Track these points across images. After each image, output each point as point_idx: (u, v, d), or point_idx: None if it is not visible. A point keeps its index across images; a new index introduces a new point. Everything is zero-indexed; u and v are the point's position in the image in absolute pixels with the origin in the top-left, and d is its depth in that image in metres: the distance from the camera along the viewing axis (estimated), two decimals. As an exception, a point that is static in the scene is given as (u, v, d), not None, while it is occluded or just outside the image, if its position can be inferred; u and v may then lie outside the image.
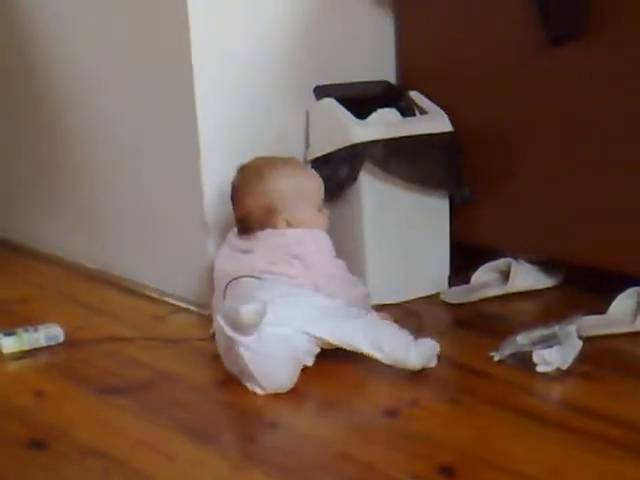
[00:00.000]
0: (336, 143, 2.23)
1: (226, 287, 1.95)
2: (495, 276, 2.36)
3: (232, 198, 2.09)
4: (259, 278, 1.94)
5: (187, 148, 2.25)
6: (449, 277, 2.35)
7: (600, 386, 1.83)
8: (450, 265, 2.37)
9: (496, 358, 1.92)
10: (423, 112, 2.36)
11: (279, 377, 1.81)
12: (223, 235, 2.25)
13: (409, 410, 1.77)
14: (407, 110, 2.35)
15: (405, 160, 2.20)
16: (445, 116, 2.32)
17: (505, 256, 2.34)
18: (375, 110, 2.28)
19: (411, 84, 2.42)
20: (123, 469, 1.60)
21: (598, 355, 1.92)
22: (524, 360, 1.88)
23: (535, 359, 1.86)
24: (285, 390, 1.81)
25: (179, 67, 2.22)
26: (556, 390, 1.84)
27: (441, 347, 1.90)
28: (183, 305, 2.32)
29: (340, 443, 1.68)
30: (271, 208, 2.03)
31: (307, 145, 2.34)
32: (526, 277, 2.31)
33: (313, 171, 2.14)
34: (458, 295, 2.29)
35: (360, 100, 2.30)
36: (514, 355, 1.91)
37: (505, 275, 2.32)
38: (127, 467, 1.61)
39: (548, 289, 2.31)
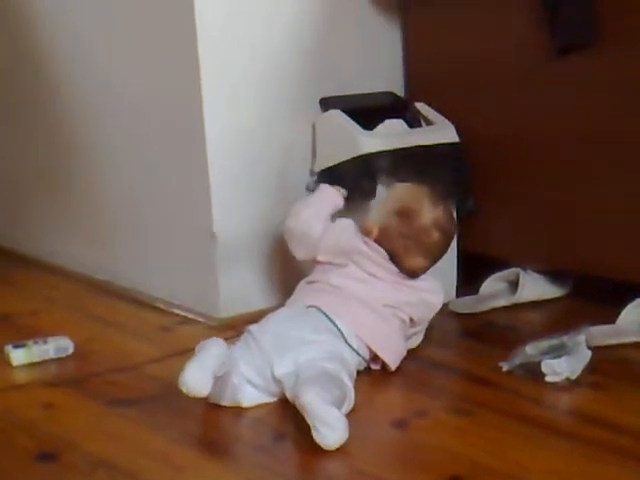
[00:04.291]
0: (344, 154, 2.23)
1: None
2: (503, 286, 2.36)
3: None
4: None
5: (195, 159, 2.25)
6: (457, 287, 2.35)
7: (609, 396, 1.82)
8: (458, 275, 2.37)
9: (505, 368, 1.92)
10: (429, 123, 2.36)
11: None
12: (230, 246, 2.26)
13: (418, 421, 1.77)
14: (413, 121, 2.36)
15: (413, 170, 2.20)
16: (452, 127, 2.32)
17: (513, 266, 2.34)
18: (382, 121, 2.28)
19: (419, 95, 2.43)
20: (132, 481, 1.60)
21: (607, 365, 1.92)
22: (533, 370, 1.87)
23: (544, 369, 1.86)
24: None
25: (187, 77, 2.22)
26: (565, 400, 1.84)
27: (449, 357, 1.90)
28: (191, 316, 2.32)
29: (349, 455, 1.67)
30: None
31: (314, 156, 2.34)
32: (534, 287, 2.31)
33: None
34: (467, 305, 2.29)
35: (366, 111, 2.30)
36: (523, 365, 1.91)
37: (514, 285, 2.32)
38: (137, 479, 1.61)
39: (557, 299, 2.31)
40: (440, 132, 2.32)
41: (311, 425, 1.65)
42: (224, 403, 1.83)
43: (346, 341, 1.89)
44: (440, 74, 2.40)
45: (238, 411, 1.82)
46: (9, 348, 2.10)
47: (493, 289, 2.35)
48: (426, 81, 2.44)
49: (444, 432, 1.73)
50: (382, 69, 2.47)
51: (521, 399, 1.82)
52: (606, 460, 1.59)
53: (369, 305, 1.95)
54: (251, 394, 1.83)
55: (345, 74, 2.40)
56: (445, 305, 2.26)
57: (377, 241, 2.02)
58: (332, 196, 2.13)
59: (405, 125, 2.32)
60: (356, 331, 1.91)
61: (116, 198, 2.53)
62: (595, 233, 2.17)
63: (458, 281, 2.36)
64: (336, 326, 1.90)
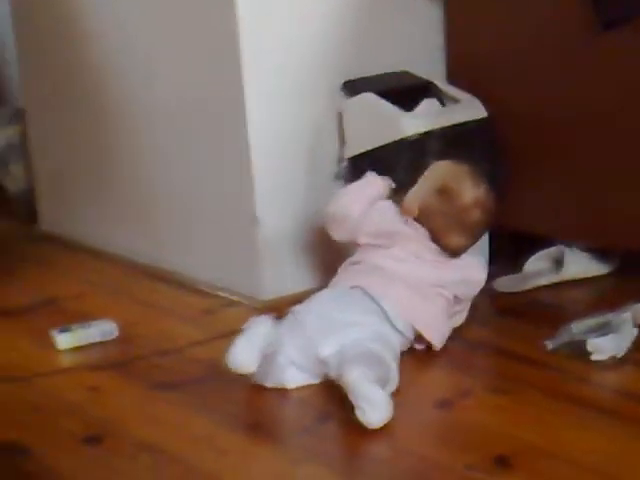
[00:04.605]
0: (383, 137, 2.20)
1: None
2: (548, 264, 2.34)
3: None
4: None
5: (237, 143, 2.25)
6: (490, 264, 2.32)
7: (656, 374, 1.81)
8: (497, 253, 2.35)
9: (550, 347, 1.90)
10: (453, 100, 2.32)
11: None
12: (272, 228, 2.26)
13: (462, 401, 1.76)
14: (437, 98, 2.32)
15: (451, 149, 2.18)
16: (478, 102, 2.29)
17: (558, 244, 2.32)
18: (412, 102, 2.25)
19: (459, 72, 2.40)
20: (177, 464, 1.61)
21: (654, 343, 1.90)
22: (578, 349, 1.86)
23: (589, 348, 1.84)
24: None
25: (228, 64, 2.23)
26: (611, 378, 1.82)
27: (494, 336, 1.89)
28: (234, 298, 2.32)
29: (395, 436, 1.67)
30: None
31: (342, 142, 2.32)
32: (579, 264, 2.29)
33: None
34: (511, 284, 2.27)
35: (394, 93, 2.26)
36: (568, 344, 1.89)
37: (558, 263, 2.30)
38: (181, 462, 1.61)
39: (602, 276, 2.28)
40: (470, 108, 2.29)
41: (355, 404, 1.65)
42: (268, 384, 1.83)
43: (391, 322, 1.89)
44: (482, 51, 2.37)
45: (282, 393, 1.82)
46: (55, 332, 2.12)
47: (537, 267, 2.33)
48: (468, 59, 2.41)
49: (488, 412, 1.72)
50: (423, 48, 2.44)
51: (566, 378, 1.81)
52: (654, 439, 1.58)
53: (413, 285, 1.95)
54: (295, 375, 1.83)
55: (385, 55, 2.37)
56: (489, 284, 2.26)
57: (417, 220, 2.01)
58: (377, 183, 2.12)
59: (438, 104, 2.30)
60: (401, 312, 1.90)
61: (159, 183, 2.54)
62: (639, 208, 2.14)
63: (491, 259, 2.34)
64: (381, 307, 1.89)
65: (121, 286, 2.49)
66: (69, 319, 2.18)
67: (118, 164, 2.67)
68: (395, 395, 1.75)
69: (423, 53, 2.43)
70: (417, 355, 1.93)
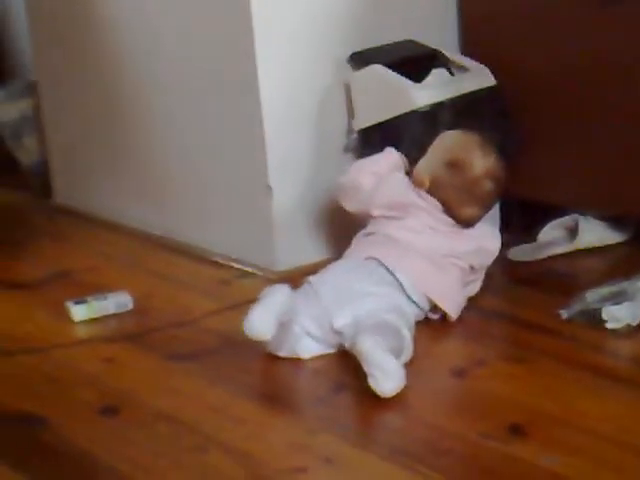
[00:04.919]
0: (394, 109, 2.19)
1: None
2: (562, 233, 2.33)
3: None
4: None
5: (250, 113, 2.25)
6: (503, 233, 2.31)
7: (671, 341, 1.81)
8: (511, 223, 2.35)
9: (565, 316, 1.90)
10: (460, 68, 2.31)
11: None
12: (285, 198, 2.26)
13: (477, 370, 1.76)
14: (444, 67, 2.30)
15: (462, 119, 2.16)
16: (486, 70, 2.28)
17: (572, 212, 2.31)
18: (421, 72, 2.23)
19: (473, 40, 2.39)
20: (194, 434, 1.62)
21: (669, 310, 1.89)
22: (593, 317, 1.86)
23: (604, 316, 1.84)
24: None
25: (240, 32, 2.22)
26: (626, 346, 1.82)
27: (509, 305, 1.89)
28: (249, 269, 2.33)
29: (410, 405, 1.68)
30: None
31: (350, 115, 2.30)
32: (594, 233, 2.28)
33: None
34: (525, 253, 2.27)
35: (403, 63, 2.24)
36: (583, 312, 1.89)
37: (572, 232, 2.29)
38: (198, 432, 1.63)
39: (616, 245, 2.27)
40: (479, 77, 2.27)
41: (367, 372, 1.66)
42: (282, 354, 1.84)
43: (406, 293, 1.89)
44: (495, 13, 2.35)
45: (297, 363, 1.83)
46: (70, 304, 2.13)
47: (552, 236, 2.32)
48: (480, 23, 2.39)
49: (503, 381, 1.72)
50: (434, 13, 2.42)
51: (581, 346, 1.81)
52: (668, 406, 1.58)
53: (428, 256, 1.95)
54: (310, 345, 1.84)
55: (395, 23, 2.37)
56: (503, 253, 2.25)
57: (429, 192, 2.01)
58: (391, 157, 2.12)
59: (447, 74, 2.28)
60: (416, 282, 1.91)
61: (173, 155, 2.54)
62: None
63: (505, 228, 2.34)
64: (396, 278, 1.90)
65: (136, 258, 2.50)
66: (84, 291, 2.19)
67: (132, 136, 2.67)
68: (410, 364, 1.76)
69: (434, 19, 2.42)
70: (432, 325, 1.93)
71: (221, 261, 2.39)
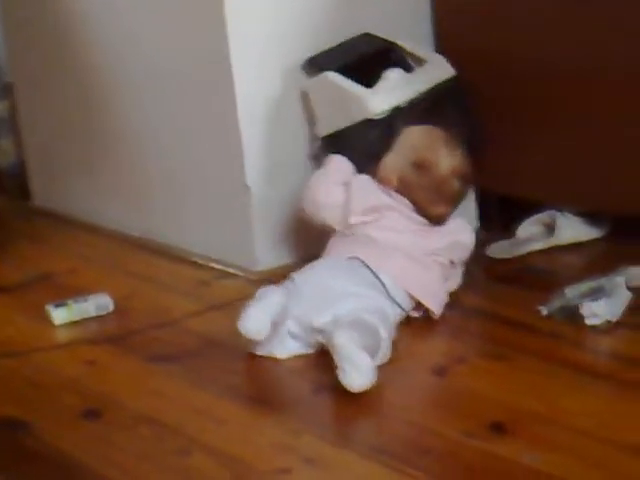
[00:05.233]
0: (350, 118, 2.15)
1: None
2: (540, 229, 2.34)
3: None
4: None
5: (226, 112, 2.25)
6: (478, 229, 2.32)
7: (650, 337, 1.82)
8: (489, 220, 2.36)
9: (544, 312, 1.91)
10: (418, 60, 2.26)
11: None
12: (263, 197, 2.26)
13: (458, 367, 1.77)
14: (402, 62, 2.26)
15: (423, 116, 2.14)
16: (444, 60, 2.25)
17: (550, 208, 2.32)
18: (377, 72, 2.18)
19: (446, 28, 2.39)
20: (177, 436, 1.62)
21: (647, 306, 1.91)
22: (572, 313, 1.87)
23: (583, 312, 1.85)
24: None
25: (214, 30, 2.22)
26: (606, 342, 1.83)
27: (488, 302, 1.90)
28: (229, 270, 2.33)
29: (390, 403, 1.69)
30: None
31: (312, 121, 2.27)
32: (571, 229, 2.29)
33: None
34: (503, 250, 2.28)
35: (358, 64, 2.20)
36: (562, 309, 1.90)
37: (550, 228, 2.30)
38: (181, 434, 1.63)
39: (594, 240, 2.29)
40: (437, 70, 2.23)
41: (339, 366, 1.67)
42: (260, 352, 1.84)
43: (389, 294, 1.90)
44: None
45: (279, 363, 1.83)
46: (50, 307, 2.12)
47: (530, 232, 2.33)
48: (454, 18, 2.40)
49: (484, 378, 1.73)
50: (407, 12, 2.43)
51: (561, 343, 1.82)
52: (649, 401, 1.59)
53: (409, 254, 1.95)
54: (290, 345, 1.85)
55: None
56: (482, 250, 2.26)
57: (398, 191, 2.02)
58: (341, 164, 2.11)
59: (402, 72, 2.21)
60: (400, 282, 1.91)
61: (151, 156, 2.54)
62: (631, 171, 2.14)
63: (483, 225, 2.34)
64: (379, 280, 1.90)
65: (115, 260, 2.49)
66: (64, 294, 2.18)
67: (109, 138, 2.66)
68: (390, 363, 1.77)
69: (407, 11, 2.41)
70: (412, 323, 1.94)
71: (201, 262, 2.39)
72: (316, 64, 2.24)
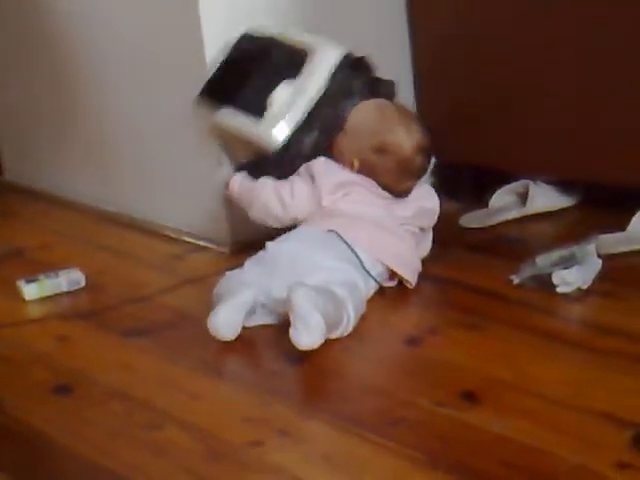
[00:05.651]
0: (257, 149, 2.07)
1: None
2: (513, 198, 2.34)
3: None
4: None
5: (197, 87, 2.23)
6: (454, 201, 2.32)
7: (621, 304, 1.82)
8: (462, 190, 2.37)
9: (516, 281, 1.92)
10: (305, 50, 2.08)
11: None
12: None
13: (430, 338, 1.77)
14: (287, 61, 2.08)
15: (334, 109, 2.04)
16: (332, 42, 2.07)
17: (522, 178, 2.32)
18: (270, 75, 2.06)
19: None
20: (149, 411, 1.62)
21: (618, 273, 1.91)
22: (544, 282, 1.87)
23: (555, 280, 1.85)
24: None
25: (186, 12, 2.21)
26: (577, 310, 1.84)
27: (460, 272, 1.89)
28: (202, 243, 2.32)
29: (363, 374, 1.69)
30: None
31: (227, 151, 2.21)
32: (544, 198, 2.29)
33: None
34: (476, 219, 2.28)
35: (243, 77, 2.09)
36: (534, 277, 1.90)
37: (523, 197, 2.30)
38: (153, 408, 1.62)
39: (567, 209, 2.29)
40: (327, 55, 2.05)
41: (292, 322, 1.68)
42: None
43: (364, 268, 1.89)
44: None
45: (252, 337, 1.83)
46: (22, 283, 2.11)
47: (503, 202, 2.34)
48: None
49: (456, 348, 1.73)
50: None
51: (533, 311, 1.82)
52: (620, 368, 1.59)
53: (381, 225, 1.95)
54: (259, 317, 1.84)
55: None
56: (455, 220, 2.26)
57: (361, 172, 2.00)
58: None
59: (289, 86, 2.05)
60: (374, 253, 1.91)
61: (122, 130, 2.52)
62: (604, 140, 2.15)
63: (456, 195, 2.35)
64: (355, 254, 1.89)
65: (87, 235, 2.48)
66: (36, 269, 2.17)
67: (81, 113, 2.65)
68: (365, 333, 1.78)
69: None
70: (384, 294, 1.94)
71: (173, 236, 2.38)
72: (207, 96, 2.14)
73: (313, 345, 1.68)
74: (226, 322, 1.79)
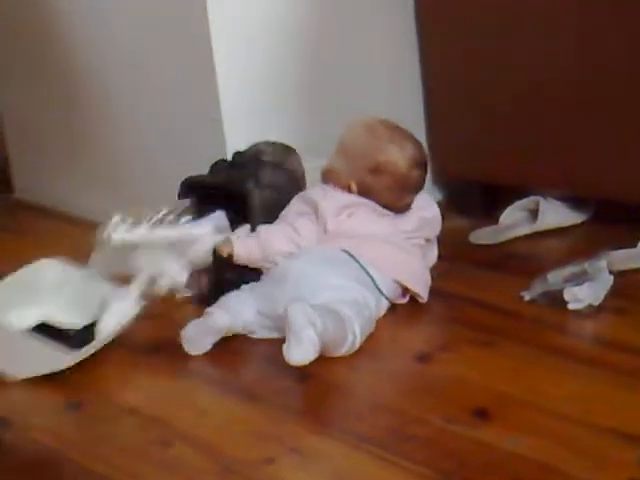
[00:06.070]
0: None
1: None
2: (524, 215, 2.34)
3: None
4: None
5: (207, 108, 2.25)
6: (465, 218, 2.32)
7: (633, 320, 1.82)
8: (472, 206, 2.37)
9: (527, 298, 1.91)
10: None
11: None
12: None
13: (441, 354, 1.77)
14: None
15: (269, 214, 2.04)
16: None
17: (533, 194, 2.32)
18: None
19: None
20: (160, 427, 1.62)
21: (630, 289, 1.91)
22: (555, 298, 1.87)
23: (566, 297, 1.85)
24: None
25: (195, 29, 2.22)
26: (589, 327, 1.84)
27: (471, 289, 1.89)
28: (212, 260, 2.32)
29: (373, 391, 1.68)
30: None
31: None
32: (555, 214, 2.29)
33: None
34: (487, 236, 2.27)
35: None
36: (545, 294, 1.90)
37: (534, 213, 2.30)
38: (163, 425, 1.63)
39: (577, 225, 2.29)
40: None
41: (286, 338, 1.68)
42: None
43: (376, 286, 1.89)
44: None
45: (262, 353, 1.83)
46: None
47: (513, 218, 2.33)
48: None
49: (467, 364, 1.73)
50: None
51: (544, 328, 1.82)
52: (632, 385, 1.59)
53: (390, 242, 1.95)
54: (264, 330, 1.86)
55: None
56: (466, 237, 2.26)
57: (360, 195, 1.99)
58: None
59: (224, 218, 2.05)
60: (388, 272, 1.90)
61: (132, 148, 2.53)
62: (614, 157, 2.14)
63: (466, 212, 2.36)
64: (367, 272, 1.88)
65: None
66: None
67: (90, 130, 2.65)
68: (375, 349, 1.77)
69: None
70: (395, 310, 1.94)
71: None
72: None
73: (304, 361, 1.67)
74: (194, 342, 1.84)
